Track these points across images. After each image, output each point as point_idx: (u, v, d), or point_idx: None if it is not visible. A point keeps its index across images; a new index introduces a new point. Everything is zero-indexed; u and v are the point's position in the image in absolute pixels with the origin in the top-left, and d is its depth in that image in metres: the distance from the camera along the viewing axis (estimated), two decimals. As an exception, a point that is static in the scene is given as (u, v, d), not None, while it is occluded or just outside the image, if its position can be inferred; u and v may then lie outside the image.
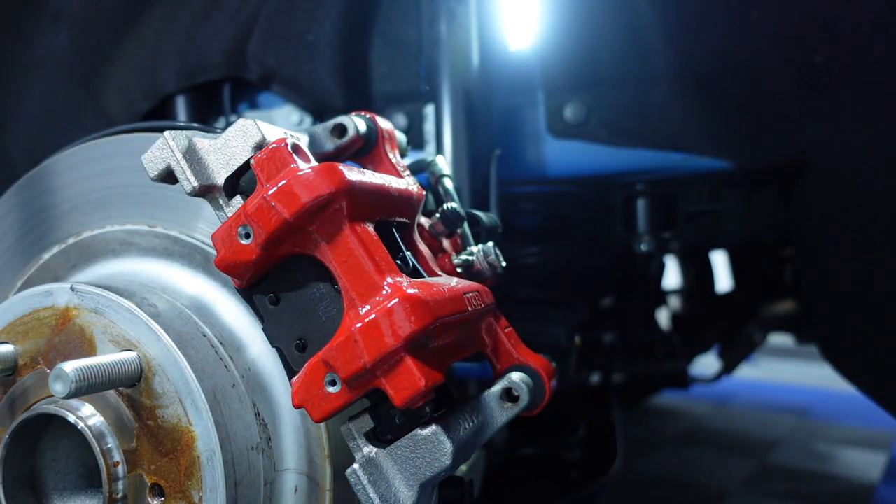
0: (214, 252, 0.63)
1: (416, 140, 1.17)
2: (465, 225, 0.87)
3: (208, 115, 1.34)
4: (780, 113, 1.09)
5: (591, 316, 1.72)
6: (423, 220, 0.83)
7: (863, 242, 1.09)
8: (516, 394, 0.69)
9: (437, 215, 0.84)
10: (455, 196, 0.88)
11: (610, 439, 1.59)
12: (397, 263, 0.65)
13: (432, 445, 0.61)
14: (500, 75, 1.20)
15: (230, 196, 0.65)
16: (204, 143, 0.65)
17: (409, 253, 0.71)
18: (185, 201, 0.77)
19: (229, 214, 0.64)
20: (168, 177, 0.66)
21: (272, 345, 0.65)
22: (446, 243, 0.85)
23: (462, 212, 0.84)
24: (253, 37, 1.24)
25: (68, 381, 0.63)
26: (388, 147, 0.82)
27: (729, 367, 2.18)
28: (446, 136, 1.11)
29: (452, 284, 0.67)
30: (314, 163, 0.64)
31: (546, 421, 1.55)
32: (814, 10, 1.04)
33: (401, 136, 0.87)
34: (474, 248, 0.84)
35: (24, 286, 0.87)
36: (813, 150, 1.08)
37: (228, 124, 0.92)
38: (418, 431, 0.61)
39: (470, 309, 0.68)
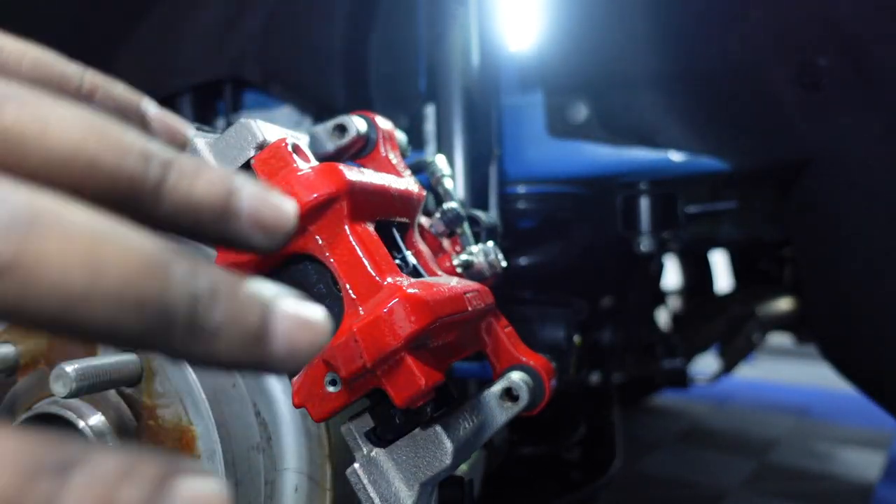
0: (215, 252, 0.63)
1: (416, 140, 1.17)
2: (466, 225, 0.87)
3: (208, 114, 1.34)
4: (779, 113, 1.09)
5: (591, 315, 1.72)
6: (424, 220, 0.83)
7: (863, 242, 1.09)
8: (516, 393, 0.69)
9: (438, 215, 0.84)
10: (455, 196, 0.88)
11: (610, 439, 1.59)
12: (397, 263, 0.65)
13: (432, 445, 0.61)
14: (500, 75, 1.20)
15: (230, 196, 0.65)
16: (204, 142, 0.66)
17: (409, 253, 0.71)
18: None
19: (230, 214, 0.64)
20: (168, 176, 0.65)
21: (272, 344, 0.64)
22: (446, 243, 0.85)
23: (462, 212, 0.84)
24: (254, 37, 1.24)
25: (69, 381, 0.63)
26: (388, 147, 0.82)
27: (728, 366, 2.18)
28: (446, 137, 1.11)
29: (452, 284, 0.67)
30: (314, 163, 0.64)
31: (546, 421, 1.56)
32: (814, 10, 1.04)
33: (401, 136, 0.87)
34: (474, 248, 0.84)
35: (25, 286, 0.87)
36: (813, 149, 1.09)
37: (229, 124, 0.92)
38: (418, 431, 0.62)
39: (470, 309, 0.68)
